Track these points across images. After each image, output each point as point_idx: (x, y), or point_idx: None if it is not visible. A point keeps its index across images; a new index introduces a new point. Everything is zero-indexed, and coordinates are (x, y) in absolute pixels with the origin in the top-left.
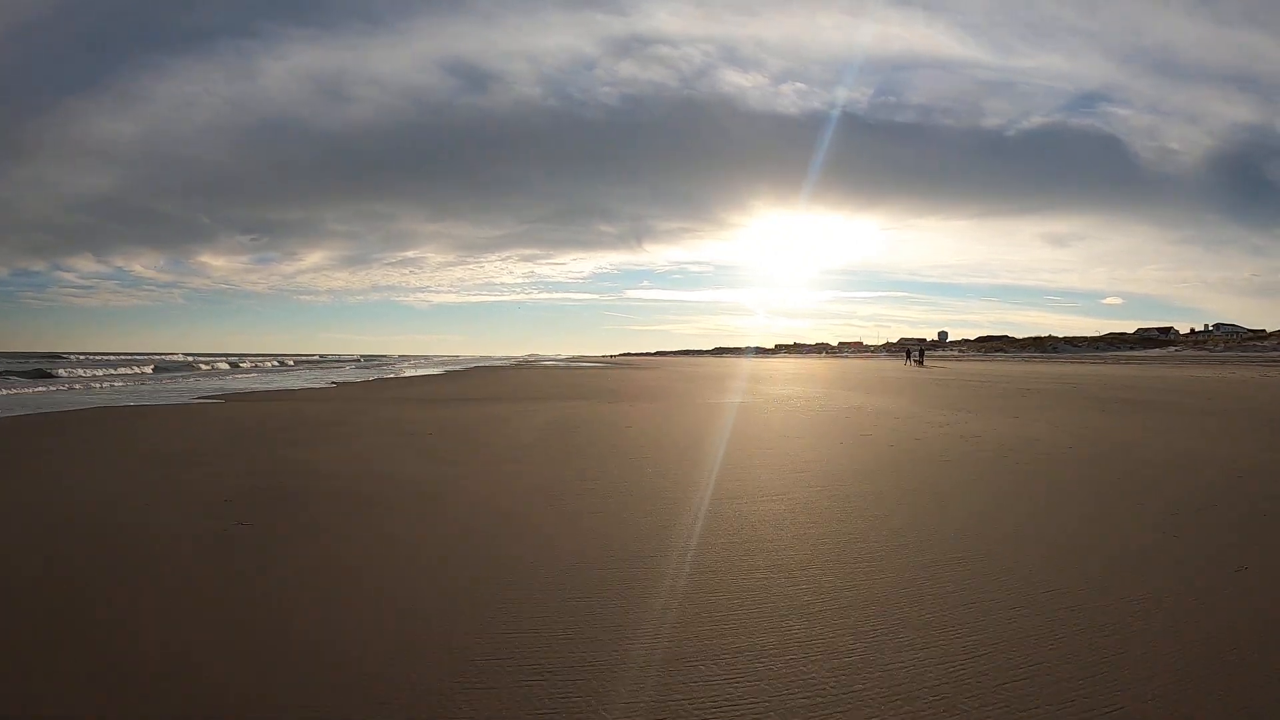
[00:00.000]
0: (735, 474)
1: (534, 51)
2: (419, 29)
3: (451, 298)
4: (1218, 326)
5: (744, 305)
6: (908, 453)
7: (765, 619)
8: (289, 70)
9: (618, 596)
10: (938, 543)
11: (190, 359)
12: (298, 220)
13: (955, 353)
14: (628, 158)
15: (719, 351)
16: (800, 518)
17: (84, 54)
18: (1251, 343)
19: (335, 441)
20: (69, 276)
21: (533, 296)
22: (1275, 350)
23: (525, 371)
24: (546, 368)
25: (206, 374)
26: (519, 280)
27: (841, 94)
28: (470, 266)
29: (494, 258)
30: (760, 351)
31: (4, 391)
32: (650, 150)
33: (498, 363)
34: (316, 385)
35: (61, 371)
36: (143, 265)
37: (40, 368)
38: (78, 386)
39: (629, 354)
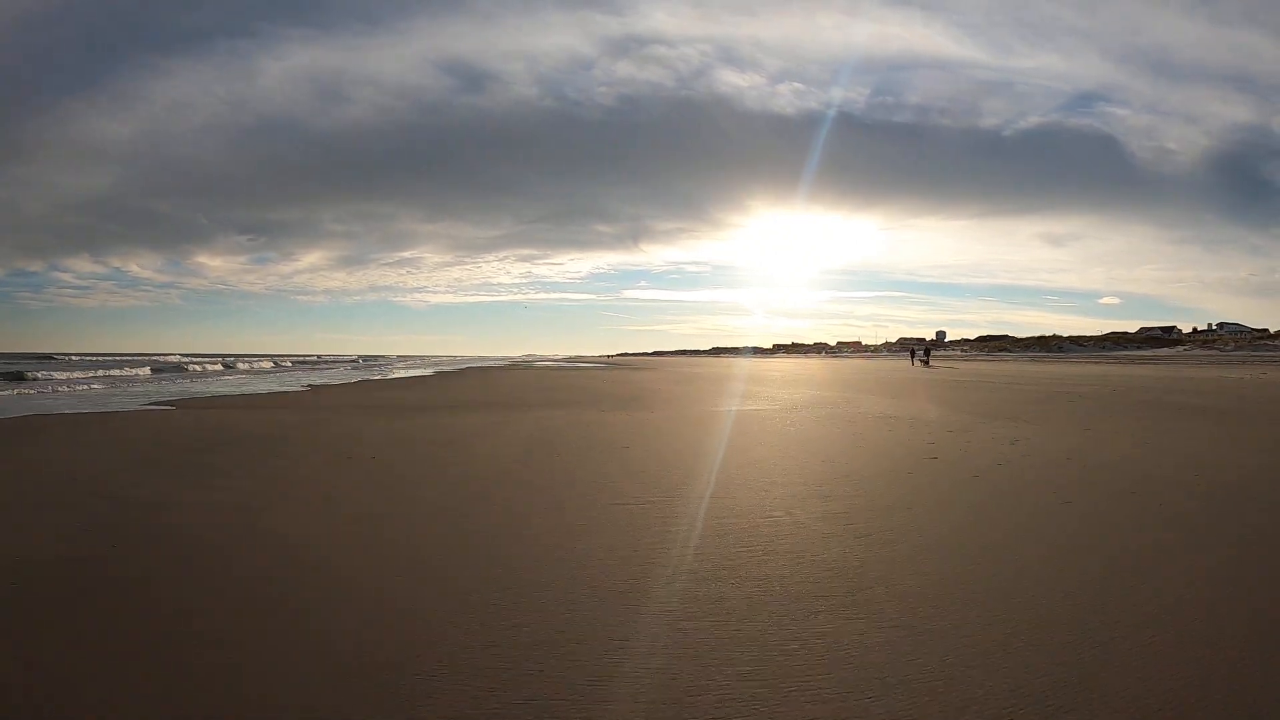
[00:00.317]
0: (809, 554)
1: (532, 52)
2: (417, 29)
3: (449, 298)
4: (1222, 325)
5: (742, 305)
6: (1012, 493)
7: None
8: (287, 70)
9: None
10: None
11: (184, 360)
12: (295, 220)
13: (958, 352)
14: (625, 158)
15: (716, 351)
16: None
17: (82, 54)
18: (1261, 342)
19: (247, 472)
20: (66, 277)
21: (530, 296)
22: None
23: (519, 373)
24: (541, 369)
25: (192, 377)
26: (516, 280)
27: (839, 94)
28: (468, 267)
29: (491, 258)
30: (758, 351)
31: None
32: (647, 150)
33: (494, 363)
34: (289, 390)
35: (40, 374)
36: (140, 266)
37: (20, 370)
38: (47, 390)
39: (626, 354)
